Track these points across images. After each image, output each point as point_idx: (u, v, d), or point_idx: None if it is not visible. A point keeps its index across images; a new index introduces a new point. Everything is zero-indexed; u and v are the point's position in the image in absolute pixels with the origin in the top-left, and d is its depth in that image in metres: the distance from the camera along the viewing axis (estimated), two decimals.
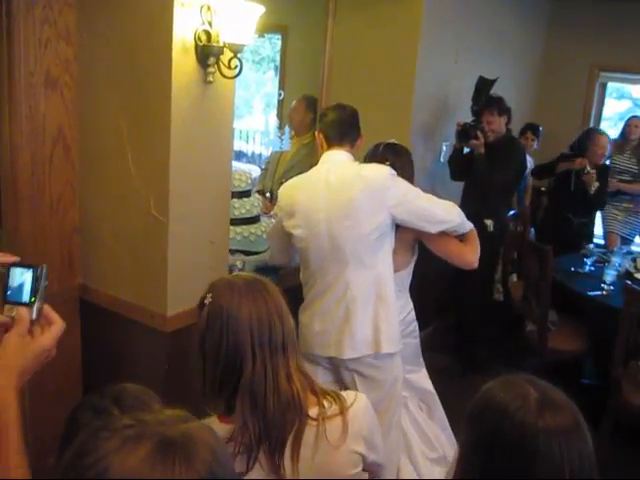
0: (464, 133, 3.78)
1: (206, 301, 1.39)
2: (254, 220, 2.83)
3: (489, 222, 3.87)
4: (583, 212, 4.61)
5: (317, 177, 2.37)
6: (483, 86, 3.79)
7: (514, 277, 4.31)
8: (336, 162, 2.39)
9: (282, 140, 3.97)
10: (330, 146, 2.42)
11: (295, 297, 2.25)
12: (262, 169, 4.16)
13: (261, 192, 3.77)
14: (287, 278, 2.85)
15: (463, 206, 3.94)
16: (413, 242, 2.56)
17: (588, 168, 4.38)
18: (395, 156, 2.57)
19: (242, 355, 1.33)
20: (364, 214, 2.28)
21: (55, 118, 2.40)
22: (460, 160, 3.92)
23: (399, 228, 2.42)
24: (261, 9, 2.21)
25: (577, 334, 3.68)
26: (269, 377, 1.33)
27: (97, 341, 2.60)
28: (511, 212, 4.35)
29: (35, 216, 2.41)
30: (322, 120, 2.48)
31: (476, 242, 2.50)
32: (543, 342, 3.55)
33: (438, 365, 2.50)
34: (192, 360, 1.40)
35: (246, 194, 2.82)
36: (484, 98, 3.81)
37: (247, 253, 2.75)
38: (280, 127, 4.25)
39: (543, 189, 4.97)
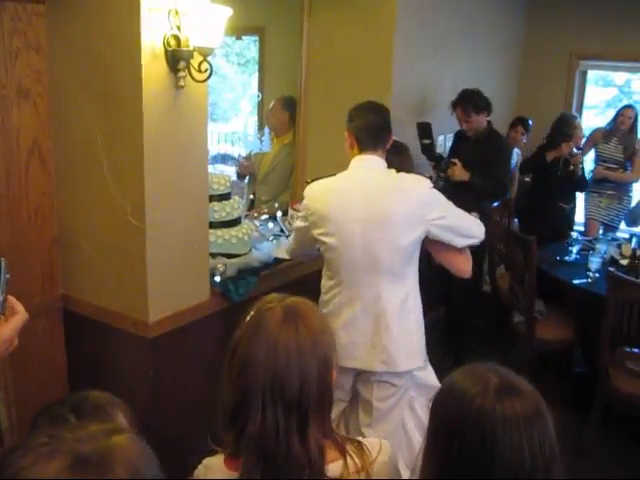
0: (440, 176, 3.84)
1: (247, 317, 1.27)
2: (235, 223, 2.81)
3: (474, 214, 3.87)
4: (571, 198, 4.78)
5: (351, 184, 2.29)
6: (423, 132, 3.81)
7: (502, 269, 4.33)
8: (370, 169, 2.31)
9: (262, 141, 3.98)
10: (362, 151, 2.33)
11: None
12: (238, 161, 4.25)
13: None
14: (271, 279, 2.85)
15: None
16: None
17: (575, 150, 4.56)
18: (399, 155, 2.55)
19: (250, 400, 1.20)
20: (402, 227, 2.23)
21: (29, 129, 2.39)
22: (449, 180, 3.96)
23: None
24: (229, 11, 2.20)
25: (565, 323, 3.70)
26: (281, 435, 1.19)
27: (82, 350, 2.60)
28: (495, 203, 4.35)
29: (13, 229, 2.40)
30: (353, 122, 2.35)
31: (469, 253, 2.48)
32: (531, 332, 3.56)
33: (430, 358, 2.50)
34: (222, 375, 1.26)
35: (226, 197, 2.81)
36: (429, 144, 3.85)
37: (229, 256, 2.74)
38: (260, 128, 4.26)
39: (527, 179, 4.98)
